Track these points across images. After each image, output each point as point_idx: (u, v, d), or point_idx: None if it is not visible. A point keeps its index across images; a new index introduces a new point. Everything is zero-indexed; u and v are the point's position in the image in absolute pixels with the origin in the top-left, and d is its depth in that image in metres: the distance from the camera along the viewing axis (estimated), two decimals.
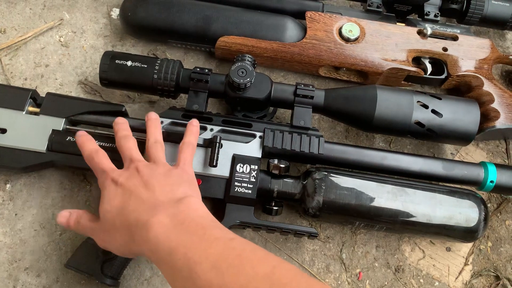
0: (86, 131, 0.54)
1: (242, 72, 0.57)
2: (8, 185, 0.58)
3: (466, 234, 0.56)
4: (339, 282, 0.57)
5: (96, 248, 0.50)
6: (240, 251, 0.40)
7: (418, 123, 0.59)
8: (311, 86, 0.60)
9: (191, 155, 0.53)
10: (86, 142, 0.52)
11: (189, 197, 0.46)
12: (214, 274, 0.38)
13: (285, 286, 0.36)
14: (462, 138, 0.61)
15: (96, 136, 0.56)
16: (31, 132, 0.56)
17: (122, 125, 0.54)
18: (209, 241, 0.41)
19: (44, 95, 0.58)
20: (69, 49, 0.68)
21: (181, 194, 0.47)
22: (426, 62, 0.69)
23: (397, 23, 0.70)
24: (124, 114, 0.59)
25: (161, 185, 0.47)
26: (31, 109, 0.57)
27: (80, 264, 0.50)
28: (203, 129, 0.57)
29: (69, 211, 0.51)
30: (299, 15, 0.69)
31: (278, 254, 0.58)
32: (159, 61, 0.59)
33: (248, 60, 0.59)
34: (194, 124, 0.55)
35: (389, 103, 0.59)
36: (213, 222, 0.44)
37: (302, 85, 0.59)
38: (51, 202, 0.58)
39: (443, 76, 0.68)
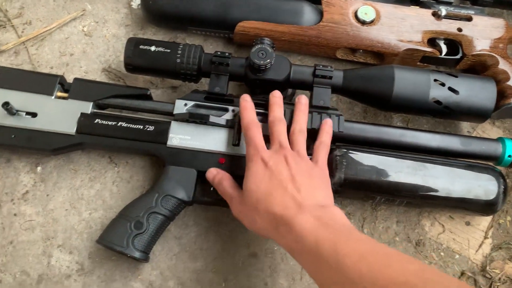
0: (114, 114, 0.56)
1: (262, 54, 0.58)
2: (39, 168, 0.60)
3: (485, 207, 0.57)
4: None
5: (126, 223, 0.53)
6: (387, 250, 0.42)
7: (435, 101, 0.60)
8: (329, 67, 0.61)
9: (326, 154, 0.55)
10: (248, 110, 0.56)
11: (331, 206, 0.49)
12: (363, 265, 0.39)
13: (437, 284, 0.37)
14: (478, 114, 0.62)
15: (123, 119, 0.58)
16: (60, 115, 0.58)
17: (280, 102, 0.57)
18: (356, 240, 0.43)
19: (70, 82, 0.60)
20: (92, 38, 0.70)
21: (322, 200, 0.50)
22: (441, 43, 0.70)
23: (411, 6, 0.71)
24: (149, 97, 0.61)
25: (306, 185, 0.49)
26: (59, 94, 0.59)
27: (111, 240, 0.52)
28: (225, 110, 0.59)
29: (217, 170, 0.56)
30: (314, 1, 0.70)
31: None
32: (181, 46, 0.60)
33: (267, 43, 0.60)
34: (329, 124, 0.58)
35: (407, 81, 0.60)
36: (355, 229, 0.46)
37: (321, 66, 0.61)
38: (80, 183, 0.60)
39: (458, 56, 0.69)
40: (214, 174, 0.56)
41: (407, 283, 0.36)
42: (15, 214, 0.57)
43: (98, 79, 0.67)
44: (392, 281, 0.37)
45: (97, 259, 0.56)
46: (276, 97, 0.58)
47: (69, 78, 0.66)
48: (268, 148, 0.53)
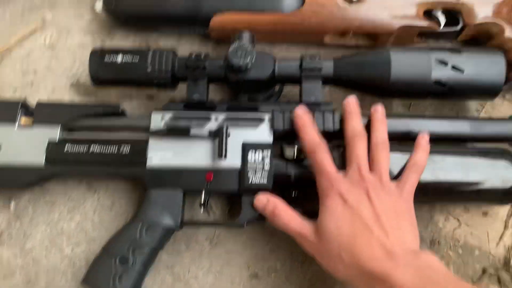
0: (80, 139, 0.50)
1: (241, 53, 0.52)
2: (12, 203, 0.55)
3: (504, 196, 0.52)
4: None
5: (111, 260, 0.48)
6: None
7: (438, 82, 0.54)
8: (317, 58, 0.55)
9: (417, 179, 0.48)
10: (308, 128, 0.49)
11: (425, 252, 0.42)
12: None
13: None
14: (487, 92, 0.56)
15: (95, 141, 0.52)
16: (26, 146, 0.52)
17: (355, 110, 0.51)
18: None
19: (35, 104, 0.55)
20: (55, 51, 0.64)
21: (412, 243, 0.44)
22: (439, 14, 0.64)
23: None
24: (122, 113, 0.55)
25: (393, 227, 0.44)
26: (23, 121, 0.54)
27: (96, 281, 0.47)
28: (207, 119, 0.53)
29: (267, 197, 0.49)
30: None
31: None
32: (151, 53, 0.54)
33: (246, 38, 0.54)
34: (426, 139, 0.50)
35: (405, 64, 0.54)
36: (460, 279, 0.41)
37: (308, 58, 0.55)
38: (58, 216, 0.55)
39: (458, 27, 0.63)
40: (264, 203, 0.49)
41: None
42: None
43: (67, 96, 0.62)
44: None
45: None
46: (351, 103, 0.51)
47: (36, 98, 0.60)
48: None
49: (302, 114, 0.50)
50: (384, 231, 0.43)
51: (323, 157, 0.47)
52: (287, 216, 0.48)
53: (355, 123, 0.50)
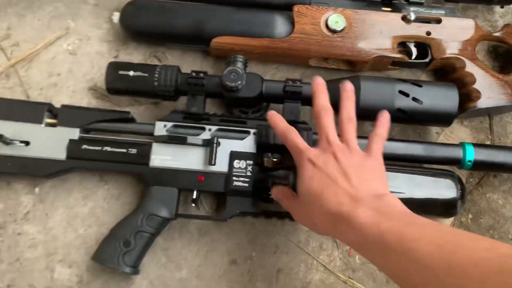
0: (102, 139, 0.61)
1: (234, 76, 0.62)
2: (36, 189, 0.66)
3: (445, 212, 0.62)
4: (331, 258, 0.65)
5: (116, 242, 0.59)
6: (454, 232, 0.42)
7: (400, 110, 0.64)
8: (298, 82, 0.64)
9: (382, 146, 0.54)
10: (278, 121, 0.56)
11: (386, 195, 0.48)
12: (434, 248, 0.39)
13: None
14: (442, 121, 0.66)
15: (108, 143, 0.63)
16: (51, 142, 0.63)
17: (322, 89, 0.56)
18: (419, 225, 0.43)
19: (59, 105, 0.65)
20: (77, 56, 0.74)
21: (377, 190, 0.49)
22: (411, 46, 0.72)
23: (383, 8, 0.73)
24: (131, 120, 0.65)
25: (358, 177, 0.49)
26: (49, 121, 0.64)
27: (104, 257, 0.59)
28: (202, 129, 0.63)
29: (277, 187, 0.59)
30: (288, 8, 0.72)
31: (276, 236, 0.66)
32: (158, 69, 0.64)
33: (239, 62, 0.64)
34: (385, 116, 0.56)
35: (372, 92, 0.64)
36: (415, 214, 0.45)
37: (290, 82, 0.64)
38: (74, 202, 0.66)
39: (427, 60, 0.72)
40: (276, 191, 0.59)
41: (484, 259, 0.36)
42: (19, 233, 0.64)
43: (85, 98, 0.72)
44: (467, 260, 0.36)
45: (94, 271, 0.63)
46: (319, 84, 0.56)
47: (59, 99, 0.70)
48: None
49: (274, 115, 0.57)
50: (349, 181, 0.48)
51: (294, 137, 0.54)
52: (286, 196, 0.57)
53: (321, 100, 0.55)
